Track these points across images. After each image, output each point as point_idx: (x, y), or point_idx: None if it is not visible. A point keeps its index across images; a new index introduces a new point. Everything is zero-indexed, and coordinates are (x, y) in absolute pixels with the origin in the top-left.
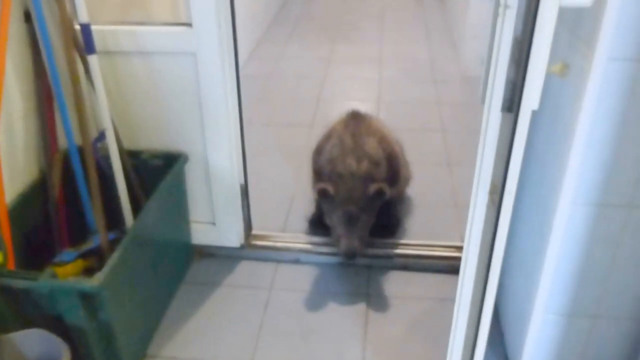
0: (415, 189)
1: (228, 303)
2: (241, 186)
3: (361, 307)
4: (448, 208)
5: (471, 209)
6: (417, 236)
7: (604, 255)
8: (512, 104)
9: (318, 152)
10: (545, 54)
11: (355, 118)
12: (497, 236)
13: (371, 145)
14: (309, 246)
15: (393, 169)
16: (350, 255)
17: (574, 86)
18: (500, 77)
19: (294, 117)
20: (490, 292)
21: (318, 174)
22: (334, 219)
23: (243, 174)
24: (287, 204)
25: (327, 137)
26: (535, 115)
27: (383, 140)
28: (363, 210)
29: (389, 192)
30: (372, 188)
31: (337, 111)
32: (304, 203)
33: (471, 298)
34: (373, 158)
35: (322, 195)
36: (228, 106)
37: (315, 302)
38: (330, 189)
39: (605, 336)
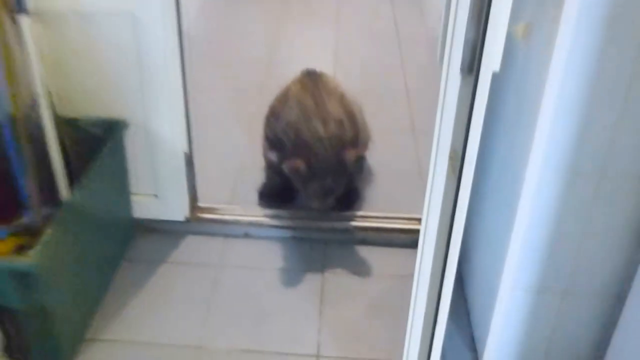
0: (377, 157)
1: (173, 281)
2: (185, 155)
3: (316, 285)
4: (411, 177)
5: (430, 177)
6: (377, 208)
7: (574, 228)
8: (472, 65)
9: (273, 116)
10: (507, 11)
11: (311, 77)
12: (457, 206)
13: (333, 105)
14: (259, 219)
15: (354, 130)
16: (323, 211)
17: (540, 48)
18: (459, 36)
19: (243, 80)
20: (450, 267)
21: (273, 142)
22: (309, 192)
23: (187, 142)
24: (235, 173)
25: (283, 99)
26: (500, 80)
27: (343, 98)
28: (338, 178)
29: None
30: (350, 156)
31: (290, 74)
32: (254, 173)
33: (430, 274)
34: (338, 119)
35: (295, 172)
36: (170, 69)
37: (266, 279)
38: (301, 165)
39: (576, 313)
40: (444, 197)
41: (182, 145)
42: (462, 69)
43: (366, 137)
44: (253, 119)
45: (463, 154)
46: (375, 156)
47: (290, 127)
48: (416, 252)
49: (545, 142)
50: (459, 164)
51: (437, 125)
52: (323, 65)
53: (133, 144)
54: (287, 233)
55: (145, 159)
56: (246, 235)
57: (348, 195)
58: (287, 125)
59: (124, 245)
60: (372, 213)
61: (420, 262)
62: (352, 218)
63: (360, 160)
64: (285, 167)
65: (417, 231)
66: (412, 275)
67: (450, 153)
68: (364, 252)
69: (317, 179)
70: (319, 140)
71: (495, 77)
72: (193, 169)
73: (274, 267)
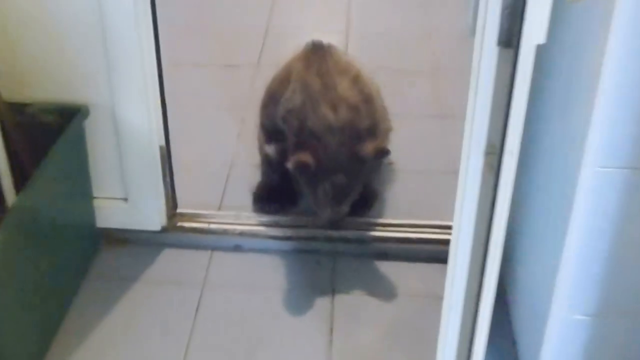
0: (398, 150)
1: (147, 305)
2: (161, 149)
3: (325, 308)
4: (442, 175)
5: (462, 176)
6: (399, 213)
7: None
8: (511, 37)
9: (271, 101)
10: None
11: (317, 52)
12: (496, 211)
13: (345, 87)
14: (254, 228)
15: (371, 118)
16: (333, 225)
17: (598, 13)
18: (495, 0)
19: (233, 55)
20: (488, 286)
21: (271, 132)
22: (318, 194)
23: (164, 133)
24: (224, 172)
25: (283, 79)
26: (546, 54)
27: (358, 78)
28: (354, 177)
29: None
30: (368, 149)
31: (290, 47)
32: (247, 171)
33: (464, 295)
34: (351, 103)
35: (301, 169)
36: (141, 42)
37: (263, 302)
38: (310, 159)
39: None
40: (479, 200)
41: (157, 137)
42: (499, 42)
43: (386, 126)
44: (246, 104)
45: (502, 148)
46: (397, 149)
47: (293, 115)
48: (446, 268)
49: (605, 130)
50: (497, 160)
51: (469, 112)
52: (333, 36)
53: (96, 136)
54: (289, 245)
55: (111, 155)
56: (237, 248)
57: (364, 198)
58: (289, 112)
59: (86, 260)
60: (393, 220)
61: (452, 280)
62: (368, 226)
63: (382, 154)
64: (290, 164)
65: (448, 242)
66: (441, 296)
67: (487, 147)
68: (384, 267)
69: (327, 178)
70: (329, 130)
71: (540, 51)
72: (171, 167)
73: (272, 287)
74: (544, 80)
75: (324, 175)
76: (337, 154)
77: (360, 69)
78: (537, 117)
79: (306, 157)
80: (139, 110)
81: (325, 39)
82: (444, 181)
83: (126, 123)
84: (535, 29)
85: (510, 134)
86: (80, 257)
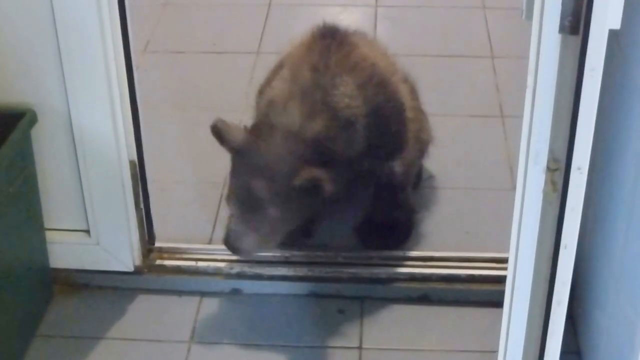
0: (443, 161)
1: None
2: (132, 165)
3: None
4: (498, 193)
5: (518, 196)
6: (443, 244)
7: None
8: (577, 22)
9: (260, 90)
10: None
11: (327, 38)
12: (562, 240)
13: (344, 91)
14: (256, 266)
15: (391, 131)
16: (230, 247)
17: None
18: None
19: (225, 39)
20: (554, 338)
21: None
22: (228, 190)
23: (135, 145)
24: (215, 194)
25: (279, 65)
26: (623, 40)
27: (372, 82)
28: (275, 200)
29: (328, 188)
30: (302, 175)
31: (301, 27)
32: None
33: (523, 350)
34: (340, 115)
35: (314, 194)
36: (103, 26)
37: None
38: (326, 179)
39: None
40: (540, 227)
41: (126, 150)
42: (561, 28)
43: (423, 135)
44: (244, 104)
45: (569, 161)
46: (442, 158)
47: (267, 106)
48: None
49: None
50: (561, 176)
51: (526, 116)
52: (355, 10)
53: (47, 149)
54: (302, 287)
55: (67, 173)
56: (235, 293)
57: (397, 225)
58: (266, 104)
59: (35, 312)
60: (435, 253)
61: (507, 329)
62: (404, 261)
63: (317, 188)
64: (299, 181)
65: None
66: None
67: (549, 162)
68: (424, 314)
69: (243, 174)
70: (285, 134)
71: (614, 37)
72: (145, 188)
73: (281, 344)
74: (619, 74)
75: (242, 171)
76: (271, 160)
77: (382, 66)
78: (615, 116)
79: (319, 174)
80: (102, 115)
81: (346, 16)
82: (502, 200)
83: (86, 132)
84: (607, 11)
85: (578, 144)
86: (28, 308)
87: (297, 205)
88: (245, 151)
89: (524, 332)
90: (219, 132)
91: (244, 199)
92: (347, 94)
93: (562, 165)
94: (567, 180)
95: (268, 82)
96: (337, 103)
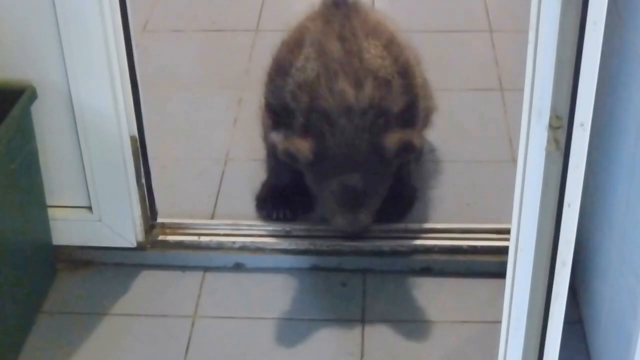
0: (443, 134)
1: (120, 346)
2: (133, 141)
3: (353, 342)
4: (499, 165)
5: (520, 158)
6: (445, 216)
7: None
8: None
9: (279, 72)
10: None
11: (340, 8)
12: (565, 204)
13: (375, 54)
14: (258, 240)
15: (407, 96)
16: (353, 234)
17: None
18: None
19: (224, 17)
20: (558, 301)
21: (278, 114)
22: (324, 197)
23: (136, 120)
24: (217, 169)
25: (295, 44)
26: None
27: (392, 43)
28: (374, 176)
29: (418, 142)
30: (392, 141)
31: (298, 4)
32: (248, 167)
33: (526, 317)
34: (381, 76)
35: (292, 158)
36: (102, 3)
37: (272, 337)
38: (307, 149)
39: None
40: (543, 186)
41: (127, 126)
42: None
43: (427, 105)
44: (244, 82)
45: (571, 119)
46: (442, 132)
47: (303, 90)
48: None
49: None
50: (564, 135)
51: (527, 74)
52: None
53: (48, 126)
54: (305, 261)
55: (68, 150)
56: (237, 267)
57: (399, 197)
58: (299, 86)
59: (40, 289)
60: (437, 224)
61: (510, 300)
62: (406, 233)
63: (407, 149)
64: (279, 151)
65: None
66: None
67: (551, 119)
68: (427, 286)
69: (335, 177)
70: (346, 112)
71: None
72: (147, 164)
73: (284, 317)
74: (623, 25)
75: (333, 172)
76: (351, 145)
77: (394, 31)
78: (617, 72)
79: (303, 146)
80: (102, 91)
81: None
82: (503, 173)
83: (86, 108)
84: None
85: (580, 99)
86: (32, 285)
87: (393, 169)
88: (321, 157)
89: (528, 295)
90: (292, 155)
91: (347, 197)
92: (378, 55)
93: (565, 122)
94: (570, 139)
95: (284, 63)
96: (373, 65)
